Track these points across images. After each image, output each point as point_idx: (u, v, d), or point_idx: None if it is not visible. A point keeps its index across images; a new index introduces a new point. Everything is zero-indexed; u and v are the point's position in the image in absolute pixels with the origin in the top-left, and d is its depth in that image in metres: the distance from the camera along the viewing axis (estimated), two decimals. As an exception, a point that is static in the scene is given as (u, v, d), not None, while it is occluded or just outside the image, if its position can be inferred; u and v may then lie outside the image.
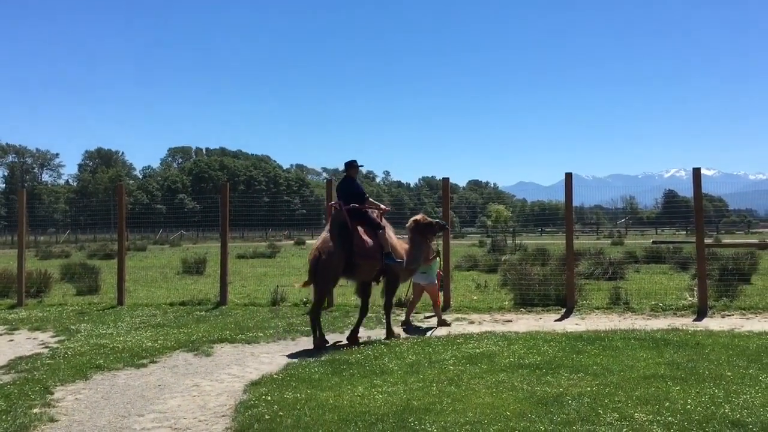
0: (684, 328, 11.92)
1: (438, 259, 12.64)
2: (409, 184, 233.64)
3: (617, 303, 14.95)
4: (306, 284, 10.90)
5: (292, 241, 62.69)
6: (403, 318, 13.10)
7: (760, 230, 78.57)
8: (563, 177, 14.69)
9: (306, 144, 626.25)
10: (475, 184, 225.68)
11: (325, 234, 10.94)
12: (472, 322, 13.36)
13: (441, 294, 13.23)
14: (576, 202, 21.07)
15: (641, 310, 14.41)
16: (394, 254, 11.23)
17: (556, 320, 13.46)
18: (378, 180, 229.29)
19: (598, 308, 14.72)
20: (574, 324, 12.96)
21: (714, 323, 12.60)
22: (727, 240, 46.50)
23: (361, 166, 11.48)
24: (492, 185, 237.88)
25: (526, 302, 14.92)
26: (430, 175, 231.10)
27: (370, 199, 11.51)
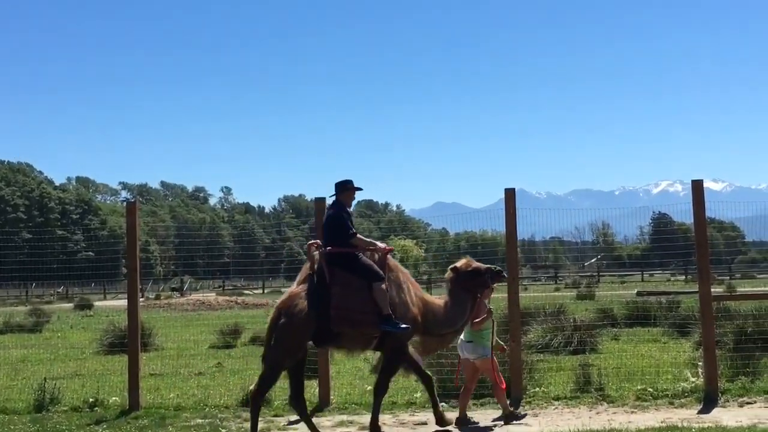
0: (686, 425, 9.88)
1: (492, 321, 10.52)
2: (263, 208, 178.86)
3: (586, 389, 12.02)
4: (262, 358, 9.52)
5: (70, 304, 43.00)
6: (457, 412, 10.58)
7: None
8: (502, 195, 11.93)
9: (94, 147, 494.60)
10: (367, 207, 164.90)
11: (294, 287, 9.43)
12: (363, 429, 10.24)
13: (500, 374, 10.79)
14: (524, 233, 16.65)
15: (622, 399, 11.72)
16: (400, 315, 9.29)
17: (495, 420, 10.71)
18: (213, 201, 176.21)
19: (558, 399, 11.87)
20: (523, 428, 10.35)
21: (728, 416, 10.53)
22: (744, 289, 33.62)
23: (359, 189, 9.74)
24: (394, 208, 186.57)
25: (449, 391, 11.70)
26: (296, 194, 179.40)
27: (360, 237, 9.62)
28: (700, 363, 12.46)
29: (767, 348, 13.61)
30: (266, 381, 9.39)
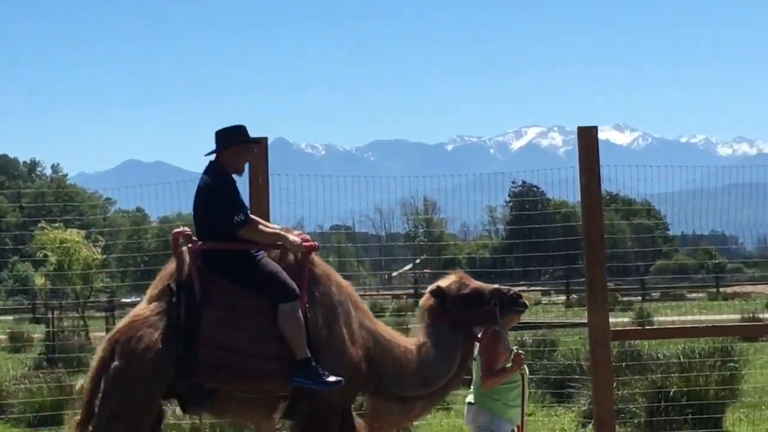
0: None
1: (522, 376, 7.56)
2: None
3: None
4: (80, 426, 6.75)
5: None
6: None
7: (747, 287, 34.82)
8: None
9: None
10: None
11: (139, 307, 6.88)
12: None
13: None
14: (286, 217, 9.34)
15: None
16: (330, 360, 6.74)
17: None
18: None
19: None
20: None
21: None
22: (666, 318, 23.48)
23: (255, 142, 7.13)
24: (48, 171, 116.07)
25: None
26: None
27: (258, 224, 6.92)
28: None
29: (702, 420, 10.56)
30: None
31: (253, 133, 7.09)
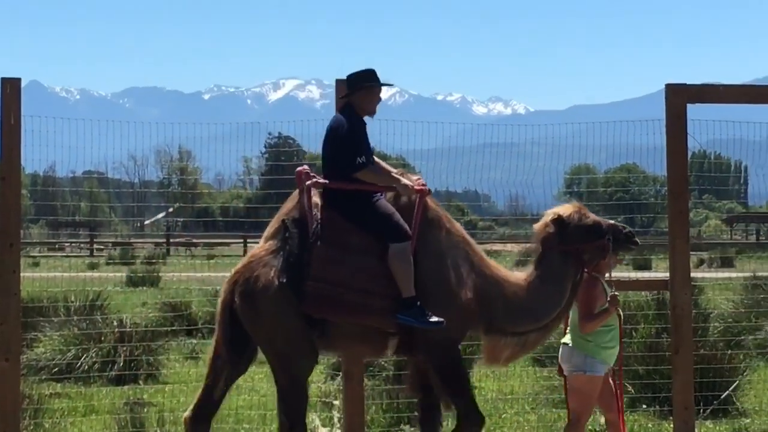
0: None
1: (619, 317, 7.34)
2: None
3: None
4: (212, 367, 6.75)
5: None
6: None
7: (497, 245, 28.16)
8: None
9: None
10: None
11: (259, 246, 6.88)
12: None
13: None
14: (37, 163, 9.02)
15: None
16: (439, 301, 6.76)
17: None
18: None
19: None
20: None
21: None
22: None
23: (389, 84, 7.40)
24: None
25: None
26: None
27: (379, 165, 7.02)
28: (336, 401, 9.38)
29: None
30: (290, 410, 6.71)
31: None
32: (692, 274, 8.88)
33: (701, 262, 30.53)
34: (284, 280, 6.67)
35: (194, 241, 39.09)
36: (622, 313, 7.51)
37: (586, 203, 8.26)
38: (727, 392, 9.55)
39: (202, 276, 18.92)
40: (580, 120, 11.02)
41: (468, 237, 7.43)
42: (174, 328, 13.12)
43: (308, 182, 6.94)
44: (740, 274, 20.88)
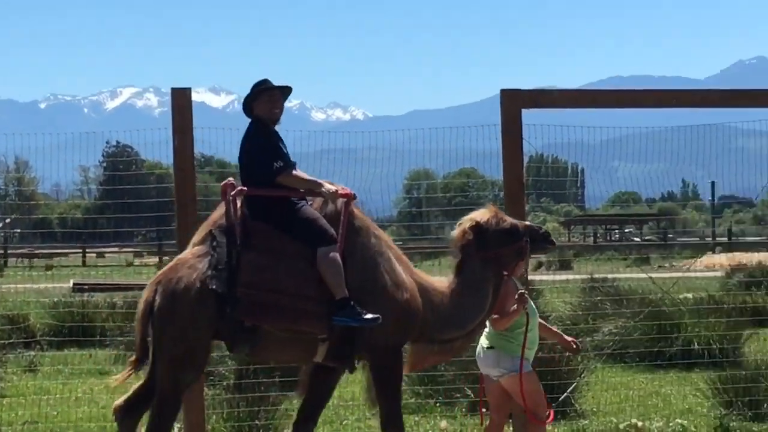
0: None
1: (527, 314, 7.27)
2: None
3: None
4: (132, 369, 6.81)
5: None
6: None
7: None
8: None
9: None
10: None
11: (188, 251, 6.92)
12: None
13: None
14: None
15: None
16: (379, 301, 6.83)
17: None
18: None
19: None
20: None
21: None
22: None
23: (285, 90, 7.14)
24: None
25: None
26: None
27: (298, 173, 6.99)
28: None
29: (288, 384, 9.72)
30: (164, 412, 6.60)
31: None
32: (530, 277, 9.01)
33: (540, 264, 31.23)
34: (213, 287, 6.61)
35: (34, 252, 38.36)
36: (529, 312, 7.48)
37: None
38: (566, 394, 9.56)
39: (40, 287, 18.36)
40: (418, 125, 11.10)
41: (393, 245, 7.45)
42: (12, 340, 12.68)
43: (233, 192, 6.91)
44: (578, 276, 21.19)
